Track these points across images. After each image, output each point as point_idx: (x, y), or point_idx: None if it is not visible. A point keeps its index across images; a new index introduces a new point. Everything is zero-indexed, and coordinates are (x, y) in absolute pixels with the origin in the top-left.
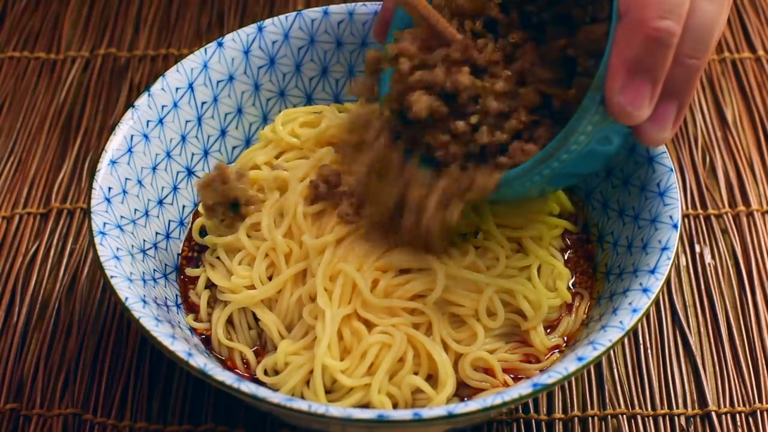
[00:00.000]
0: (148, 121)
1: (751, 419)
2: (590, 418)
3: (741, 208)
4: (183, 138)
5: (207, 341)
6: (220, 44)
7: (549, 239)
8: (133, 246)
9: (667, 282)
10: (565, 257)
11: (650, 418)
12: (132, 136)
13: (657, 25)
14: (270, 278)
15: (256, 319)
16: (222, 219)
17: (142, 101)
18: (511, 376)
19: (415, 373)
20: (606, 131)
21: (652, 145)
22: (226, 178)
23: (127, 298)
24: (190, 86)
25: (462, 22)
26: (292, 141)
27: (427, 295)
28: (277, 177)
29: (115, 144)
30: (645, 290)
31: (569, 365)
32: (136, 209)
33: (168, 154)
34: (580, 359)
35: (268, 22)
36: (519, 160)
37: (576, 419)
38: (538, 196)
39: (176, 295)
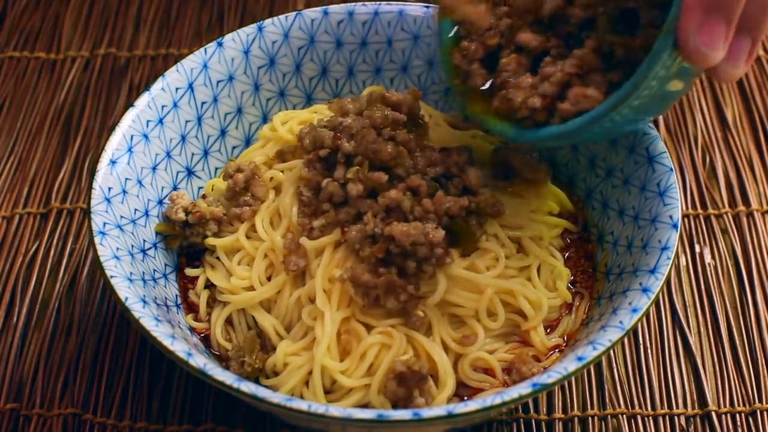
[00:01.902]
0: (148, 121)
1: (751, 419)
2: (590, 418)
3: (741, 208)
4: (183, 138)
5: (206, 340)
6: (220, 44)
7: (549, 239)
8: (133, 246)
9: (667, 282)
10: (566, 257)
11: (650, 418)
12: (132, 136)
13: None
14: (269, 278)
15: (255, 320)
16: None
17: (142, 101)
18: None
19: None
20: (678, 73)
21: (725, 81)
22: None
23: (127, 298)
24: (190, 86)
25: None
26: (291, 138)
27: (427, 297)
28: (272, 178)
29: (114, 144)
30: (645, 290)
31: (569, 365)
32: (136, 209)
33: (168, 154)
34: (580, 359)
35: (268, 22)
36: (582, 106)
37: (576, 419)
38: (603, 139)
39: (176, 295)
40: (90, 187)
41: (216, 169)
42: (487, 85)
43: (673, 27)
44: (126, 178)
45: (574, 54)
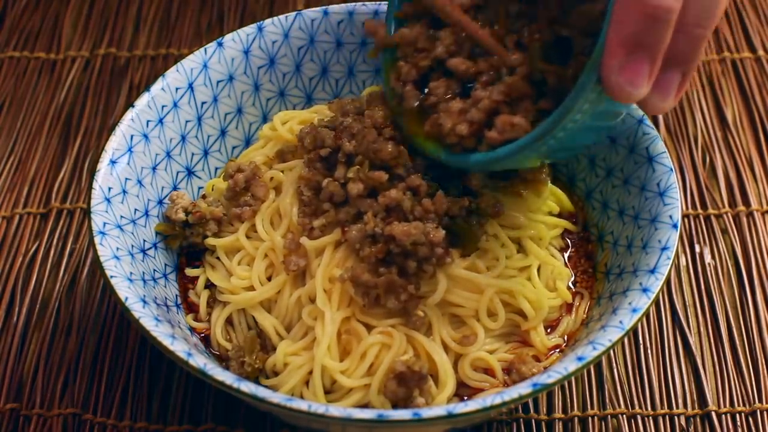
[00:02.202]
0: (148, 121)
1: (751, 419)
2: (590, 418)
3: (741, 208)
4: (183, 138)
5: (206, 340)
6: (220, 44)
7: (549, 239)
8: (133, 246)
9: (667, 282)
10: (566, 256)
11: (650, 418)
12: (132, 136)
13: (655, 2)
14: (269, 278)
15: (256, 320)
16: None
17: (142, 101)
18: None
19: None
20: (604, 108)
21: (655, 114)
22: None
23: (127, 298)
24: (190, 86)
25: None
26: (291, 138)
27: (427, 297)
28: (272, 178)
29: (114, 144)
30: (645, 290)
31: (569, 365)
32: (136, 209)
33: (168, 154)
34: (580, 359)
35: (268, 22)
36: (509, 135)
37: (576, 419)
38: (532, 166)
39: (176, 295)
40: (90, 187)
41: (216, 169)
42: (416, 104)
43: (597, 62)
44: (126, 178)
45: (504, 81)
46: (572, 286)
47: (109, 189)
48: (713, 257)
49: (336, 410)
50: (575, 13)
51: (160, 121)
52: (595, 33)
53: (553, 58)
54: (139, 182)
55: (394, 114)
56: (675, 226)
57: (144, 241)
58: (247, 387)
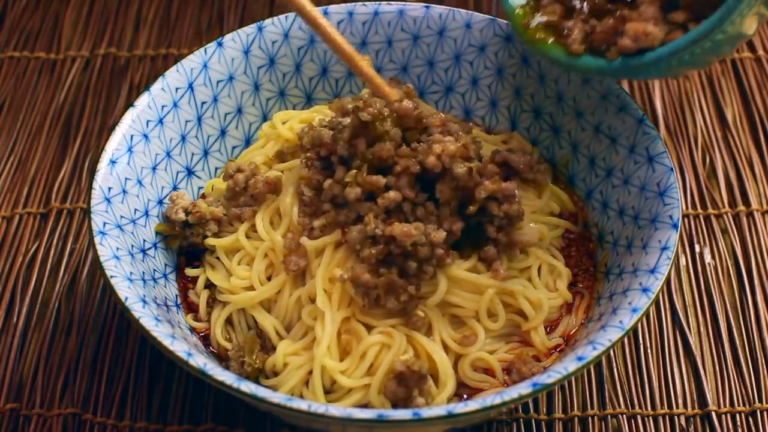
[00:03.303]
0: (148, 121)
1: (751, 419)
2: (590, 418)
3: (741, 208)
4: (183, 138)
5: (206, 340)
6: (220, 44)
7: (549, 239)
8: (133, 246)
9: (667, 282)
10: (567, 255)
11: (650, 418)
12: (132, 136)
13: None
14: (269, 278)
15: (255, 320)
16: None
17: (142, 101)
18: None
19: None
20: (757, 11)
21: None
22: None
23: (127, 298)
24: (190, 86)
25: None
26: (291, 136)
27: (428, 297)
28: (272, 178)
29: (114, 144)
30: (645, 290)
31: (569, 365)
32: (136, 209)
33: (168, 154)
34: (579, 359)
35: (268, 22)
36: (642, 43)
37: (576, 419)
38: (665, 77)
39: (176, 295)
40: (90, 187)
41: (216, 169)
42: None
43: None
44: (126, 178)
45: None
46: (574, 286)
47: (109, 189)
48: (713, 257)
49: (336, 410)
50: None
51: (160, 121)
52: None
53: None
54: (139, 182)
55: (517, 28)
56: (675, 226)
57: (144, 241)
58: (247, 387)
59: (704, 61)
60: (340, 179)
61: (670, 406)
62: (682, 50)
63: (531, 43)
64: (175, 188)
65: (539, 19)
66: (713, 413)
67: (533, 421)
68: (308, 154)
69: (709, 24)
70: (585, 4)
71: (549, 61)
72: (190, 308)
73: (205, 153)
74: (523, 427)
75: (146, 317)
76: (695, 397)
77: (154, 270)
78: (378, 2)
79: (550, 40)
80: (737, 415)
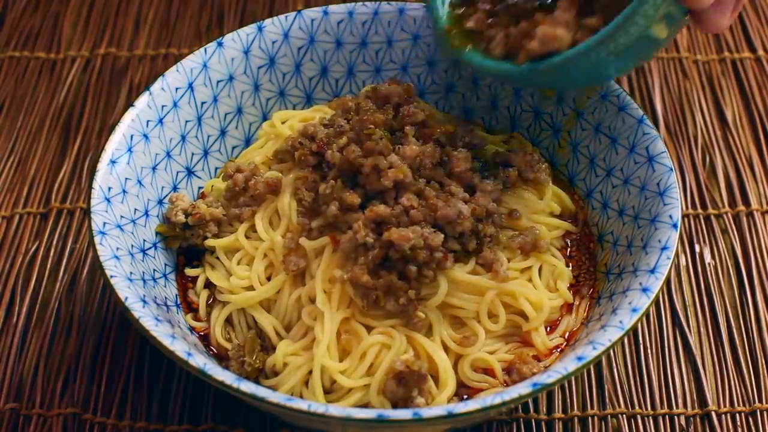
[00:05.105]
0: (147, 121)
1: (751, 419)
2: (590, 418)
3: (741, 208)
4: (183, 138)
5: (206, 340)
6: (220, 44)
7: (550, 240)
8: (133, 246)
9: (667, 282)
10: (568, 255)
11: (650, 417)
12: (132, 136)
13: None
14: (269, 278)
15: (255, 320)
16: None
17: (142, 101)
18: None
19: None
20: (664, 15)
21: (711, 32)
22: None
23: (127, 298)
24: (190, 86)
25: None
26: (291, 134)
27: (428, 299)
28: (272, 178)
29: (114, 144)
30: (645, 290)
31: (569, 365)
32: (136, 209)
33: (168, 154)
34: (579, 359)
35: (268, 22)
36: (550, 47)
37: (576, 419)
38: (580, 86)
39: (176, 295)
40: (90, 187)
41: (216, 169)
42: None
43: None
44: (126, 178)
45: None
46: (577, 282)
47: (109, 189)
48: (713, 257)
49: (336, 410)
50: None
51: (160, 121)
52: None
53: None
54: (139, 182)
55: (438, 32)
56: (675, 225)
57: (144, 240)
58: (247, 387)
59: (616, 68)
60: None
61: (670, 406)
62: (586, 52)
63: (450, 49)
64: (175, 188)
65: (467, 25)
66: (713, 413)
67: (533, 421)
68: (300, 153)
69: (612, 25)
70: (508, 10)
71: (470, 68)
72: (190, 308)
73: (205, 153)
74: (523, 427)
75: (146, 317)
76: (695, 397)
77: (154, 270)
78: (378, 2)
79: (468, 47)
80: (737, 415)
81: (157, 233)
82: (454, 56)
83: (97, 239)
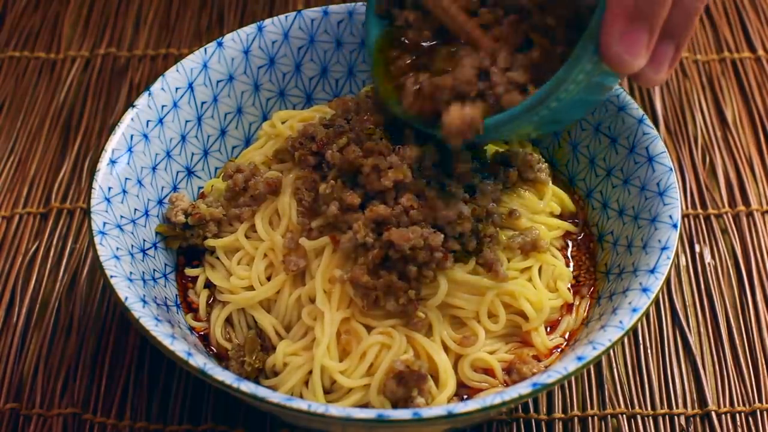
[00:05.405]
0: (147, 121)
1: (751, 419)
2: (590, 418)
3: (741, 208)
4: (183, 138)
5: (206, 340)
6: (220, 44)
7: (550, 240)
8: (133, 246)
9: (667, 282)
10: (568, 254)
11: (650, 417)
12: (132, 136)
13: None
14: (269, 278)
15: (255, 320)
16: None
17: (142, 101)
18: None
19: None
20: (598, 79)
21: (648, 86)
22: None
23: (126, 298)
24: (190, 86)
25: None
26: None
27: (428, 299)
28: (271, 178)
29: (114, 144)
30: (645, 290)
31: (569, 365)
32: (136, 209)
33: (168, 154)
34: (579, 359)
35: (268, 21)
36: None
37: (576, 419)
38: (520, 139)
39: (176, 295)
40: (90, 187)
41: (216, 168)
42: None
43: (595, 33)
44: (126, 178)
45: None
46: (577, 281)
47: (109, 189)
48: (713, 257)
49: (336, 410)
50: (557, 3)
51: (160, 121)
52: (575, 24)
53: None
54: (139, 182)
55: (378, 91)
56: (675, 225)
57: (144, 240)
58: (247, 387)
59: (566, 119)
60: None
61: (670, 406)
62: (518, 117)
63: (378, 92)
64: (175, 188)
65: (390, 69)
66: (713, 413)
67: (533, 421)
68: (299, 152)
69: (540, 92)
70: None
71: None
72: (190, 308)
73: (205, 153)
74: (523, 427)
75: (146, 317)
76: (695, 397)
77: (154, 270)
78: None
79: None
80: (737, 415)
81: (157, 233)
82: (383, 102)
83: (97, 239)
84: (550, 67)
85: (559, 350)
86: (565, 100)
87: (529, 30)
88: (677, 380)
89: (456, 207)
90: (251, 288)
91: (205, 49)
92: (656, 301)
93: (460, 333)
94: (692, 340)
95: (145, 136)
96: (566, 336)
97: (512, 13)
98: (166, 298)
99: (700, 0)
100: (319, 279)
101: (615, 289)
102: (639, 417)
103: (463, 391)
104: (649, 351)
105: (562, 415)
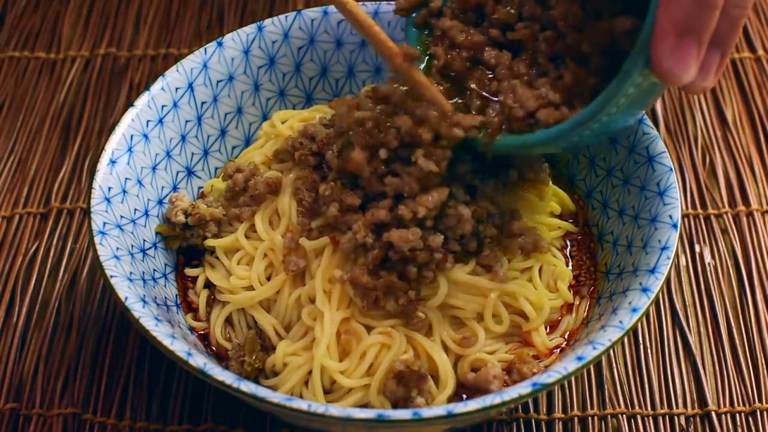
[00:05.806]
0: (147, 121)
1: (751, 419)
2: (590, 418)
3: (741, 208)
4: (183, 138)
5: (206, 340)
6: (220, 44)
7: (550, 240)
8: (133, 246)
9: (667, 282)
10: (568, 254)
11: (650, 417)
12: (132, 136)
13: None
14: (269, 278)
15: (255, 319)
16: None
17: (142, 101)
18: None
19: None
20: (648, 91)
21: (696, 93)
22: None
23: (126, 298)
24: (190, 86)
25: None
26: (291, 134)
27: (428, 300)
28: (271, 178)
29: (114, 144)
30: (645, 290)
31: (569, 365)
32: (136, 209)
33: (168, 154)
34: (579, 359)
35: (268, 21)
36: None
37: (576, 419)
38: (569, 151)
39: (176, 295)
40: (90, 187)
41: (216, 168)
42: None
43: (645, 47)
44: (126, 178)
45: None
46: (577, 281)
47: (109, 189)
48: (713, 257)
49: (336, 410)
50: (593, 30)
51: (160, 121)
52: (611, 52)
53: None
54: (139, 182)
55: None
56: (675, 225)
57: (144, 240)
58: (247, 387)
59: (614, 130)
60: (327, 188)
61: (670, 406)
62: (568, 132)
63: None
64: (175, 188)
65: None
66: (713, 413)
67: (533, 421)
68: (300, 153)
69: (592, 107)
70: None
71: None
72: (190, 308)
73: (205, 153)
74: (523, 427)
75: (146, 317)
76: (695, 397)
77: (154, 270)
78: (378, 2)
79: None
80: (737, 415)
81: (157, 233)
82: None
83: (97, 239)
84: (579, 92)
85: (559, 350)
86: (614, 114)
87: (564, 53)
88: (677, 380)
89: (457, 211)
90: (251, 288)
91: (205, 49)
92: (656, 301)
93: (460, 333)
94: (692, 340)
95: (145, 136)
96: (566, 336)
97: (548, 30)
98: (166, 298)
99: (745, 8)
100: (319, 279)
101: (615, 289)
102: (639, 417)
103: (463, 391)
104: (649, 351)
105: (562, 415)
